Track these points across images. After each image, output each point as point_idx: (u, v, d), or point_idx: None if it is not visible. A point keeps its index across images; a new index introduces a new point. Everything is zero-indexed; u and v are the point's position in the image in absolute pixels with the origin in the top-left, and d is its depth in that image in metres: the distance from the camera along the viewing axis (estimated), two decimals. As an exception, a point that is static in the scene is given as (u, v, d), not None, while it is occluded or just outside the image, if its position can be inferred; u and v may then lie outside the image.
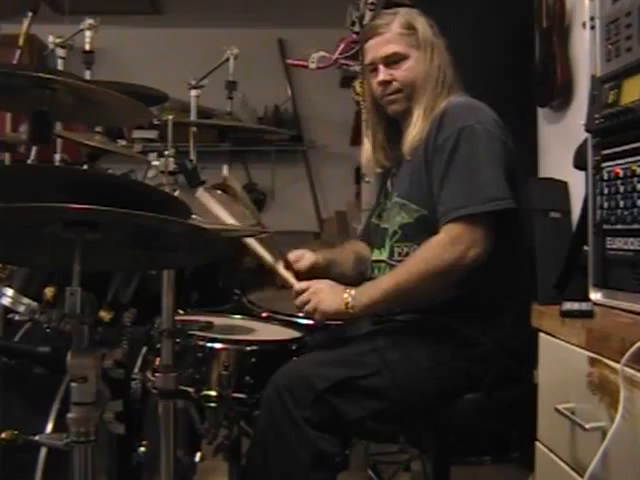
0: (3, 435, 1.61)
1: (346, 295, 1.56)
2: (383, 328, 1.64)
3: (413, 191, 1.64)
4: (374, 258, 1.75)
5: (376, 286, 1.58)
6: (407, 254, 1.63)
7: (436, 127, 1.60)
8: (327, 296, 1.58)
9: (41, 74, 1.38)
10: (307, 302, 1.59)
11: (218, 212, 1.76)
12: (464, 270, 1.51)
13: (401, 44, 1.67)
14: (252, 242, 1.76)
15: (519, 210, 1.57)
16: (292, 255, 1.75)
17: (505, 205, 1.53)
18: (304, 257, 1.76)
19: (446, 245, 1.51)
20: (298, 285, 1.64)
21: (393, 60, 1.68)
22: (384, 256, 1.70)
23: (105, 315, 1.80)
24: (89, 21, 2.42)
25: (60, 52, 2.44)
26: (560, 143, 2.35)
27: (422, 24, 1.70)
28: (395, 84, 1.69)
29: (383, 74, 1.69)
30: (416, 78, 1.67)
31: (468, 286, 1.54)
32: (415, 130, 1.65)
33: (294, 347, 1.76)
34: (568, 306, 1.24)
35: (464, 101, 1.66)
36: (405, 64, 1.68)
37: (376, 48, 1.70)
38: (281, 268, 1.73)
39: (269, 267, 1.74)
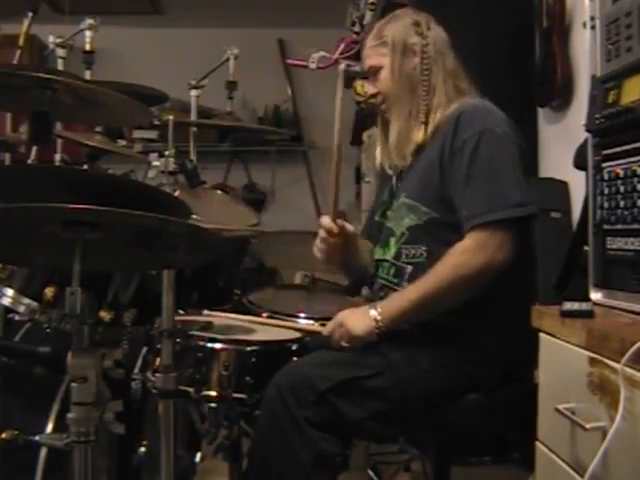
0: (3, 435, 1.61)
1: (372, 311, 1.55)
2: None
3: (423, 193, 1.63)
4: (377, 257, 1.74)
5: (403, 297, 1.56)
6: (415, 256, 1.62)
7: (452, 131, 1.59)
8: (354, 321, 1.57)
9: (41, 74, 1.39)
10: (341, 337, 1.58)
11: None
12: (492, 275, 1.50)
13: (374, 56, 1.73)
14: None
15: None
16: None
17: (530, 210, 1.52)
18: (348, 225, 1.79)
19: (474, 251, 1.50)
20: (325, 330, 1.63)
21: (373, 73, 1.73)
22: (389, 256, 1.69)
23: (105, 315, 1.80)
24: (89, 21, 2.42)
25: (60, 52, 2.44)
26: (560, 143, 2.35)
27: (394, 28, 1.71)
28: (379, 96, 1.73)
29: (369, 88, 1.76)
30: (389, 85, 1.70)
31: None
32: (392, 137, 1.69)
33: (294, 347, 1.75)
34: (568, 306, 1.24)
35: (478, 103, 1.65)
36: (381, 75, 1.71)
37: (363, 63, 1.78)
38: (307, 326, 1.78)
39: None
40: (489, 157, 1.54)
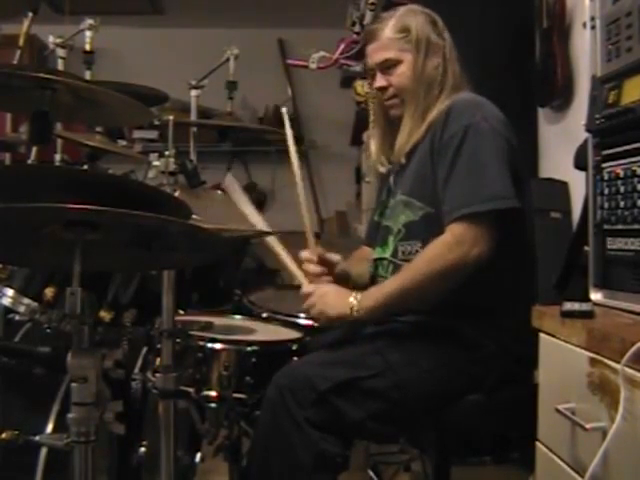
0: (3, 435, 1.61)
1: (352, 299, 1.55)
2: (385, 329, 1.63)
3: (418, 189, 1.63)
4: (377, 256, 1.74)
5: (380, 290, 1.57)
6: (411, 253, 1.62)
7: (441, 125, 1.59)
8: (332, 300, 1.58)
9: (41, 74, 1.38)
10: (313, 305, 1.59)
11: (242, 205, 1.75)
12: (468, 270, 1.50)
13: (393, 49, 1.68)
14: (272, 241, 1.75)
15: (523, 210, 1.56)
16: (305, 253, 1.72)
17: (509, 204, 1.51)
18: (330, 254, 1.74)
19: (450, 245, 1.50)
20: (306, 288, 1.63)
21: (387, 66, 1.69)
22: (387, 254, 1.69)
23: (105, 315, 1.80)
24: (89, 21, 2.42)
25: (60, 52, 2.45)
26: (560, 143, 2.35)
27: (417, 23, 1.68)
28: (391, 90, 1.70)
29: (379, 81, 1.71)
30: (409, 82, 1.67)
31: (471, 287, 1.52)
32: (402, 136, 1.67)
33: (294, 347, 1.76)
34: (568, 306, 1.24)
35: (469, 97, 1.65)
36: (398, 69, 1.68)
37: (372, 54, 1.72)
38: (295, 267, 1.72)
39: (284, 265, 1.74)
40: (473, 152, 1.54)
